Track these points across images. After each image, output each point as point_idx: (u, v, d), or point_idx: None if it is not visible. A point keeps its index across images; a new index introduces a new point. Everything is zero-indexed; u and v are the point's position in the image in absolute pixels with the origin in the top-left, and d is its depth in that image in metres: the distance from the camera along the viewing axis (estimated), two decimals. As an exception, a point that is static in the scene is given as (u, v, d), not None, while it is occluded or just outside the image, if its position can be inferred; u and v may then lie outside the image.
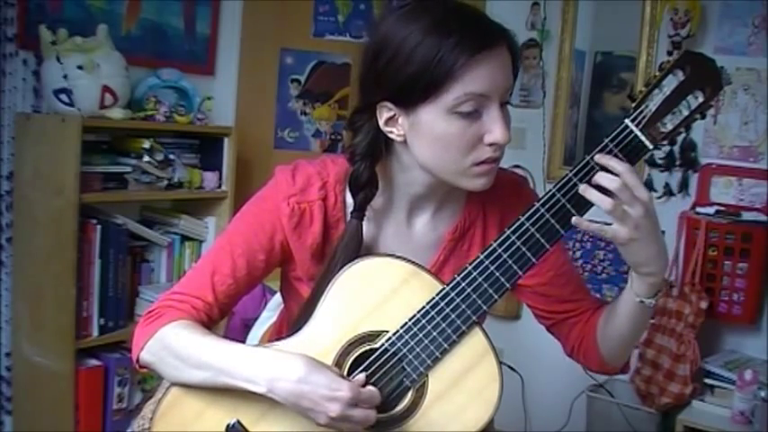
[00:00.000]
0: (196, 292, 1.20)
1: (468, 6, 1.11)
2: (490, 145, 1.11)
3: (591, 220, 1.09)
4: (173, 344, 1.14)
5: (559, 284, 1.28)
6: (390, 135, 1.15)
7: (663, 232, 1.12)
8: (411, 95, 1.10)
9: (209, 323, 1.20)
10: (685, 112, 1.08)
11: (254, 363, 1.10)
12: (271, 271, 1.26)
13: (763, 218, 2.63)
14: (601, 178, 1.06)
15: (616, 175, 1.05)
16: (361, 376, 1.11)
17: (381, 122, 1.14)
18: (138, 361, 1.18)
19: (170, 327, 1.15)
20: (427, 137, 1.12)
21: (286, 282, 1.32)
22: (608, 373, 1.31)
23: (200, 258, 1.29)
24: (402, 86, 1.10)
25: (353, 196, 1.20)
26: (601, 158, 1.06)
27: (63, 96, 2.23)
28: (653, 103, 1.08)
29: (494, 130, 1.10)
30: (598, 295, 2.90)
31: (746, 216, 2.66)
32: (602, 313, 1.26)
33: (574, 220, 1.08)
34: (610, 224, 1.08)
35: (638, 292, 1.14)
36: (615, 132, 1.08)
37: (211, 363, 1.11)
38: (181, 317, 1.17)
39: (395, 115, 1.13)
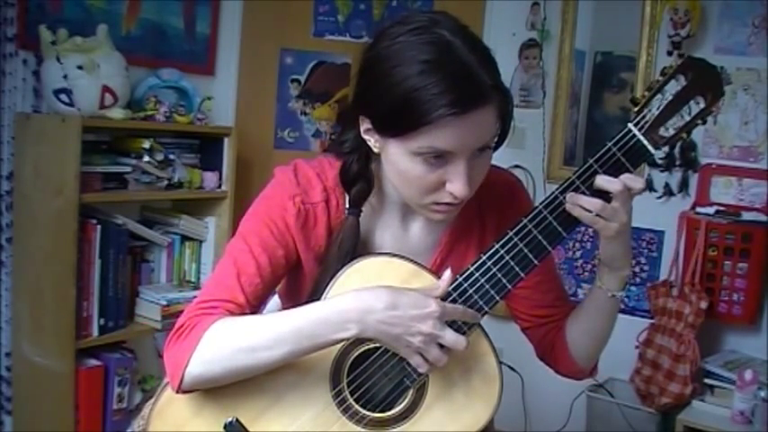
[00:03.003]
0: (226, 295, 1.15)
1: (470, 49, 1.04)
2: (450, 192, 1.09)
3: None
4: (231, 339, 1.09)
5: (543, 290, 1.29)
6: (369, 143, 1.15)
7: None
8: (382, 126, 1.09)
9: None
10: (687, 118, 1.09)
11: (337, 309, 1.07)
12: (290, 268, 1.23)
13: (763, 218, 2.63)
14: (602, 181, 1.07)
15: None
16: (447, 272, 1.10)
17: (362, 130, 1.14)
18: (182, 382, 1.09)
19: (216, 327, 1.10)
20: (392, 166, 1.12)
21: (288, 286, 1.31)
22: (576, 376, 1.32)
23: (215, 268, 1.24)
24: (376, 114, 1.09)
25: (347, 191, 1.19)
26: (600, 179, 1.08)
27: (63, 96, 2.23)
28: (655, 108, 1.08)
29: (455, 181, 1.07)
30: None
31: (746, 216, 2.66)
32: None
33: (569, 195, 1.08)
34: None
35: (610, 288, 1.18)
36: (618, 136, 1.09)
37: (286, 334, 1.07)
38: (219, 318, 1.12)
39: (371, 129, 1.13)
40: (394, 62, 1.04)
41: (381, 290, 1.06)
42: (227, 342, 1.09)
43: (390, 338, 1.06)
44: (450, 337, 1.06)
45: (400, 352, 1.08)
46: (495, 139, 1.12)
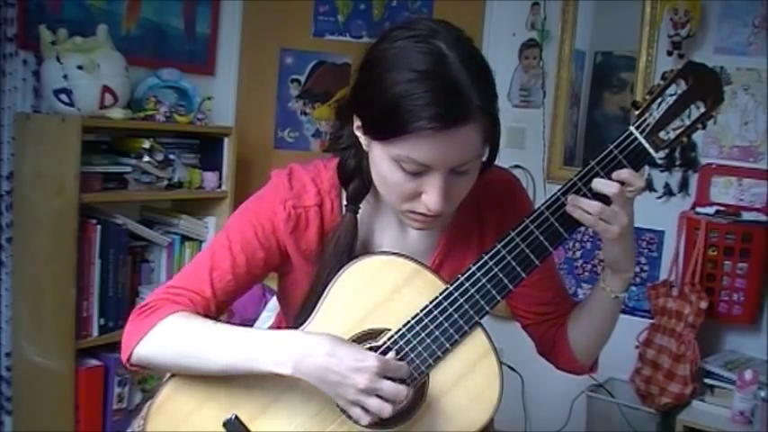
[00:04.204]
0: (194, 286, 1.18)
1: (464, 66, 1.02)
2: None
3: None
4: (182, 335, 1.12)
5: (543, 288, 1.29)
6: (361, 140, 1.15)
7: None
8: (367, 126, 1.10)
9: None
10: (687, 122, 1.10)
11: (278, 344, 1.08)
12: (269, 271, 1.25)
13: (763, 218, 2.63)
14: (599, 185, 1.08)
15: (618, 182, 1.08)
16: (391, 354, 1.10)
17: (354, 127, 1.15)
18: (130, 357, 1.14)
19: (173, 318, 1.13)
20: (375, 168, 1.12)
21: (283, 287, 1.31)
22: (577, 372, 1.32)
23: (196, 256, 1.27)
24: (364, 115, 1.10)
25: (345, 188, 1.20)
26: (597, 183, 1.08)
27: (63, 96, 2.23)
28: (656, 112, 1.09)
29: (430, 194, 1.07)
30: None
31: (746, 216, 2.66)
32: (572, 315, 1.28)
33: (569, 198, 1.09)
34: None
35: (613, 289, 1.19)
36: (620, 139, 1.10)
37: (230, 350, 1.10)
38: (180, 309, 1.15)
39: (361, 128, 1.13)
40: (387, 66, 1.05)
41: (325, 337, 1.07)
42: (176, 337, 1.12)
43: (328, 386, 1.05)
44: (388, 389, 1.04)
45: (340, 403, 1.07)
46: (485, 157, 1.11)
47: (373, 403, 1.04)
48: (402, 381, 1.07)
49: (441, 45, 1.04)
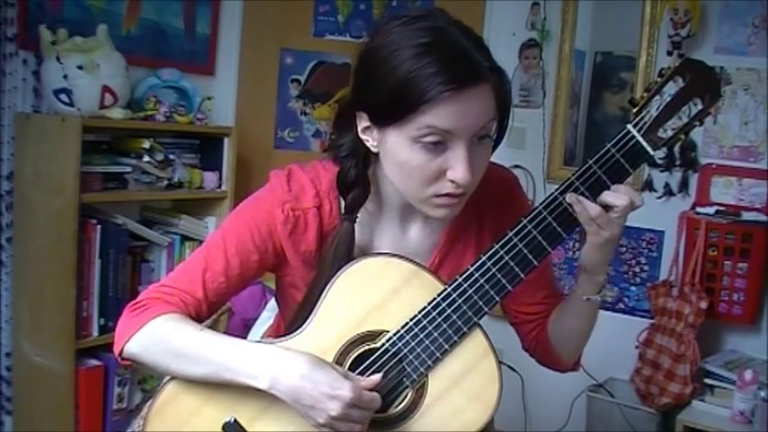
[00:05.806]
0: (186, 287, 1.19)
1: (464, 35, 1.07)
2: (452, 181, 1.09)
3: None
4: (168, 337, 1.13)
5: (536, 288, 1.29)
6: (367, 143, 1.15)
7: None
8: (381, 114, 1.10)
9: (196, 320, 1.19)
10: (685, 119, 1.10)
11: (256, 359, 1.09)
12: (263, 273, 1.25)
13: (763, 218, 2.63)
14: (607, 196, 1.08)
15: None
16: (377, 377, 1.11)
17: (359, 129, 1.14)
18: (121, 353, 1.17)
19: (162, 319, 1.14)
20: (392, 159, 1.11)
21: (280, 289, 1.32)
22: (559, 369, 1.34)
23: (191, 254, 1.27)
24: (374, 103, 1.10)
25: (343, 197, 1.19)
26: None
27: (63, 96, 2.23)
28: (654, 109, 1.09)
29: (456, 167, 1.07)
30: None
31: (746, 216, 2.66)
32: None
33: (569, 196, 1.09)
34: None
35: (585, 292, 1.20)
36: (617, 138, 1.09)
37: (212, 358, 1.11)
38: (171, 310, 1.16)
39: (370, 126, 1.13)
40: (389, 50, 1.06)
41: (303, 358, 1.08)
42: (162, 340, 1.13)
43: (300, 407, 1.07)
44: (358, 415, 1.06)
45: (311, 423, 1.08)
46: (495, 134, 1.12)
47: (344, 427, 1.06)
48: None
49: (437, 21, 1.08)
